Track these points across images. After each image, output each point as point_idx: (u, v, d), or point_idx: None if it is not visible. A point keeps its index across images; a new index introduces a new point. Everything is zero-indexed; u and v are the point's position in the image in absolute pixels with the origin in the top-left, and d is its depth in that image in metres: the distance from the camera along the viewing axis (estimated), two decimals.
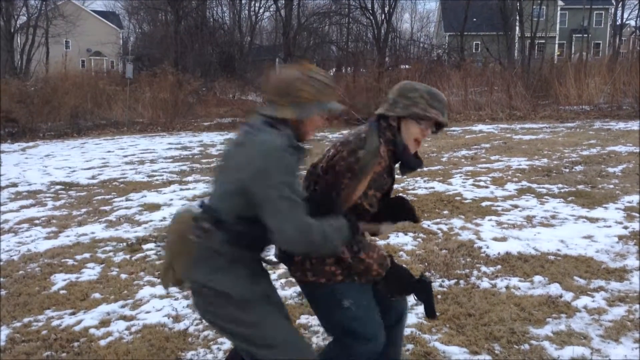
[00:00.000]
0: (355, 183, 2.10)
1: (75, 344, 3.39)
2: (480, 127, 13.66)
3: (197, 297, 2.09)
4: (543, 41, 30.39)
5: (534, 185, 6.86)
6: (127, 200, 7.19)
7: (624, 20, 41.80)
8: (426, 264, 4.40)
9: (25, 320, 3.74)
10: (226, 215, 2.00)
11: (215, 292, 2.01)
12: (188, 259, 2.07)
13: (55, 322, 3.69)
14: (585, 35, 33.23)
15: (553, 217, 5.55)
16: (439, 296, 3.79)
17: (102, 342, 3.38)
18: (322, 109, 2.07)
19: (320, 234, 1.90)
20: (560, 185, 6.79)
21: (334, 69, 25.88)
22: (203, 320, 2.39)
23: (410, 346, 3.13)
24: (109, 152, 12.06)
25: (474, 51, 33.01)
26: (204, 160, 10.35)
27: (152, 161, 10.46)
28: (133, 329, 3.54)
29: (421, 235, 5.14)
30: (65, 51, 34.12)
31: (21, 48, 30.72)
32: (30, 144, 14.07)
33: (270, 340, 2.05)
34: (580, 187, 6.70)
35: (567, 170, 7.74)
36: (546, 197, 6.33)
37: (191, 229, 2.07)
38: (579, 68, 17.32)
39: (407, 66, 19.31)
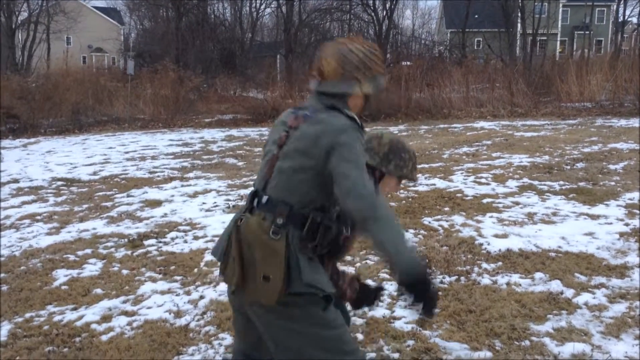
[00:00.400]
0: None
1: (77, 339, 3.40)
2: (482, 123, 13.65)
3: (284, 306, 1.86)
4: (545, 38, 30.38)
5: (535, 182, 6.86)
6: (128, 196, 7.19)
7: (626, 17, 41.81)
8: (427, 260, 4.40)
9: (27, 315, 3.75)
10: (300, 206, 1.87)
11: (315, 290, 1.86)
12: (280, 264, 1.83)
13: (56, 318, 3.70)
14: (587, 32, 33.18)
15: (554, 214, 5.55)
16: (440, 292, 3.79)
17: (104, 337, 3.39)
18: (382, 83, 2.03)
19: (387, 209, 1.78)
20: (561, 182, 6.79)
21: None
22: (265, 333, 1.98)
23: (410, 342, 3.14)
24: (110, 148, 12.07)
25: (475, 48, 32.98)
26: (205, 157, 10.35)
27: (153, 157, 10.47)
28: (134, 325, 3.55)
29: (422, 231, 5.15)
30: (67, 47, 34.17)
31: (22, 44, 30.72)
32: (32, 140, 14.07)
33: (349, 346, 1.94)
34: (581, 184, 6.70)
35: (569, 167, 7.74)
36: (547, 194, 6.33)
37: (266, 230, 1.86)
38: (581, 65, 17.30)
39: (408, 63, 19.28)
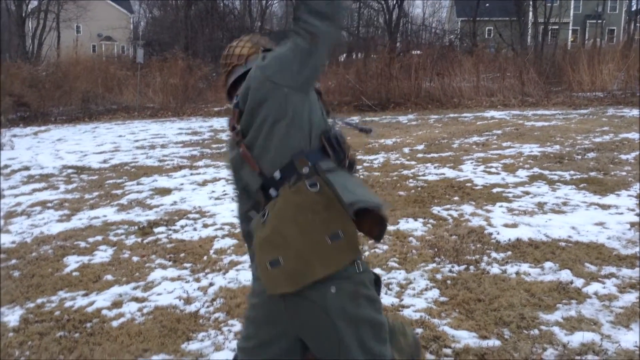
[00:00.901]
0: None
1: (88, 324, 3.43)
2: (492, 113, 13.57)
3: (341, 282, 1.72)
4: (556, 27, 30.04)
5: (546, 172, 6.82)
6: (138, 184, 7.23)
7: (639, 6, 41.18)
8: (436, 249, 4.40)
9: (39, 301, 3.79)
10: (305, 145, 1.81)
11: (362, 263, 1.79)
12: (339, 210, 1.70)
13: (68, 303, 3.73)
14: (600, 21, 32.82)
15: (564, 203, 5.52)
16: (449, 281, 3.80)
17: (115, 323, 3.42)
18: None
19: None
20: (572, 172, 6.75)
21: (344, 54, 25.73)
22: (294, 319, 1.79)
23: (419, 330, 3.14)
24: (120, 136, 12.11)
25: (486, 37, 32.72)
26: (214, 145, 10.37)
27: (162, 146, 10.49)
28: (145, 311, 3.57)
29: (431, 221, 5.14)
30: (77, 36, 34.15)
31: (32, 33, 30.76)
32: (42, 128, 14.15)
33: (385, 333, 1.84)
34: (592, 174, 6.66)
35: (580, 157, 7.69)
36: (558, 183, 6.30)
37: (302, 189, 1.73)
38: (593, 54, 17.11)
39: (418, 52, 19.17)
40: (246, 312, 1.97)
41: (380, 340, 1.80)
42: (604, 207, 5.35)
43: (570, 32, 40.01)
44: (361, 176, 7.01)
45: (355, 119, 13.26)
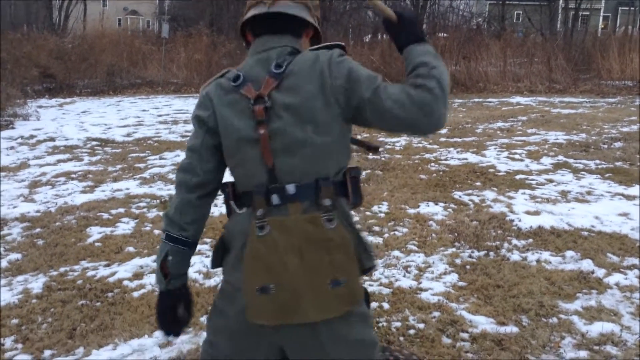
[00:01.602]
0: None
1: (110, 294, 3.49)
2: (518, 99, 13.37)
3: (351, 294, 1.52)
4: (587, 13, 29.38)
5: (571, 160, 6.72)
6: (160, 158, 7.29)
7: None
8: (456, 234, 4.38)
9: (62, 269, 3.86)
10: (336, 172, 1.55)
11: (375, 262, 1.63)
12: (350, 257, 1.51)
13: (90, 273, 3.80)
14: (632, 8, 31.99)
15: (589, 193, 5.44)
16: (468, 266, 3.78)
17: (135, 294, 3.48)
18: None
19: (445, 77, 1.49)
20: (597, 161, 6.64)
21: (369, 35, 25.48)
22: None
23: (436, 314, 3.14)
24: (143, 110, 12.19)
25: (515, 21, 32.12)
26: None
27: (185, 122, 10.54)
28: None
29: (452, 205, 5.11)
30: (103, 9, 34.33)
31: (59, 5, 30.94)
32: (68, 100, 14.29)
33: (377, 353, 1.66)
34: (618, 164, 6.55)
35: (606, 146, 7.56)
36: (582, 172, 6.21)
37: (317, 222, 1.49)
38: (624, 42, 16.71)
39: (445, 34, 18.90)
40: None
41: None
42: (629, 197, 5.27)
43: (601, 18, 39.10)
44: (383, 158, 6.98)
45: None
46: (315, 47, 1.60)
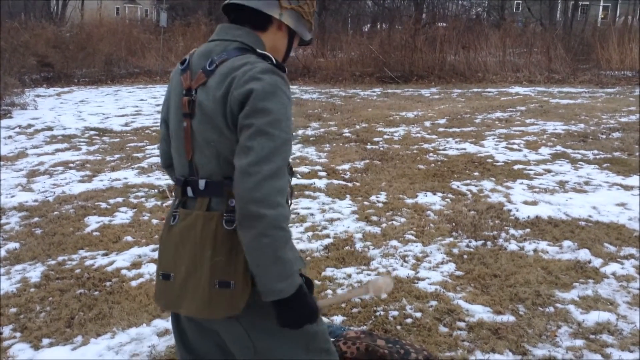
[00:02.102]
0: None
1: (108, 283, 3.50)
2: (517, 89, 13.34)
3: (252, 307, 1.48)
4: (587, 3, 29.30)
5: (569, 151, 6.72)
6: (159, 148, 7.27)
7: None
8: (454, 224, 4.39)
9: (60, 258, 3.87)
10: (224, 179, 1.50)
11: None
12: (241, 261, 1.46)
13: (88, 262, 3.80)
14: None
15: (586, 183, 5.45)
16: (465, 256, 3.79)
17: (133, 283, 3.49)
18: (306, 32, 1.66)
19: (282, 218, 1.37)
20: (595, 152, 6.64)
21: (368, 24, 25.37)
22: None
23: (433, 302, 3.16)
24: (141, 100, 12.15)
25: (514, 11, 32.00)
26: None
27: None
28: None
29: (450, 195, 5.11)
30: None
31: None
32: (65, 89, 14.24)
33: (329, 345, 1.66)
34: (616, 154, 6.55)
35: (604, 136, 7.55)
36: (580, 162, 6.21)
37: (216, 220, 1.48)
38: (623, 32, 16.66)
39: (444, 24, 18.82)
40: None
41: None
42: (627, 187, 5.27)
43: (601, 8, 38.90)
44: (381, 149, 6.98)
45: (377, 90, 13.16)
46: (262, 52, 1.52)
